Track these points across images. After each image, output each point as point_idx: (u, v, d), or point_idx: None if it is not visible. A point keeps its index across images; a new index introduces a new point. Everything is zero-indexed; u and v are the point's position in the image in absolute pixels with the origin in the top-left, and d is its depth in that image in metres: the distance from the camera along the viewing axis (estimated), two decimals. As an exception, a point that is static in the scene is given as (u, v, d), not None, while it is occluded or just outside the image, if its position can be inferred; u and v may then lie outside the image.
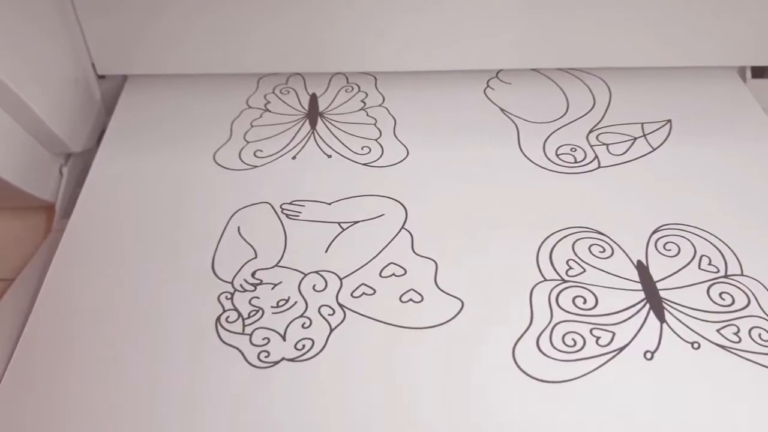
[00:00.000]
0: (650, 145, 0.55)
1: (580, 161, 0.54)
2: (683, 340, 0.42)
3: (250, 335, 0.42)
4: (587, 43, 0.60)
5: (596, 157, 0.55)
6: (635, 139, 0.56)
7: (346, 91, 0.62)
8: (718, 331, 0.42)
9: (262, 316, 0.43)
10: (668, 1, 0.57)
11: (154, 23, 0.58)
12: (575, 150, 0.55)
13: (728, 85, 0.62)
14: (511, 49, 0.60)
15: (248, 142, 0.56)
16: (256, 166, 0.54)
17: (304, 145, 0.56)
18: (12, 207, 0.58)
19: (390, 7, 0.57)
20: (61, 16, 0.56)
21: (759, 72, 0.63)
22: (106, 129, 0.58)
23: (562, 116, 0.58)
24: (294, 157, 0.55)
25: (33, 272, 0.49)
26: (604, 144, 0.56)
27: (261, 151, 0.55)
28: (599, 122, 0.58)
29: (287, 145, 0.56)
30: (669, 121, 0.57)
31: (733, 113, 0.59)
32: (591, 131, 0.57)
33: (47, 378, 0.41)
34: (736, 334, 0.42)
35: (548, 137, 0.56)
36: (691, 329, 0.43)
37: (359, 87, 0.62)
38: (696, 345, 0.42)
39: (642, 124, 0.57)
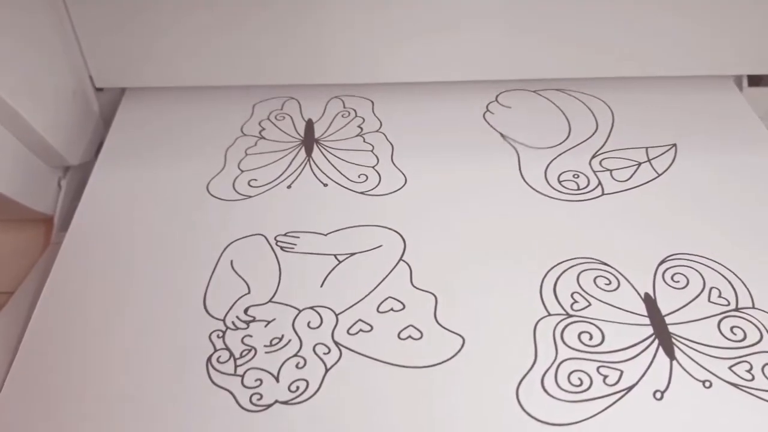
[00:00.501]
0: (655, 171, 0.54)
1: (583, 188, 0.53)
2: (694, 378, 0.40)
3: (242, 376, 0.41)
4: (583, 54, 0.59)
5: (600, 183, 0.53)
6: (640, 164, 0.55)
7: (342, 116, 0.60)
8: (730, 368, 0.41)
9: (254, 355, 0.42)
10: (663, 10, 0.56)
11: (152, 36, 0.57)
12: (578, 176, 0.54)
13: (726, 96, 0.61)
14: (508, 60, 0.60)
15: (242, 171, 0.55)
16: (250, 196, 0.53)
17: (299, 174, 0.54)
18: (10, 220, 0.58)
19: (388, 20, 0.56)
20: (58, 28, 0.56)
21: (755, 80, 0.63)
22: (104, 142, 0.58)
23: (564, 141, 0.57)
24: (289, 186, 0.53)
25: (32, 285, 0.49)
26: (608, 170, 0.54)
27: (255, 180, 0.54)
28: (602, 147, 0.56)
29: (282, 173, 0.54)
30: (674, 145, 0.56)
31: (736, 129, 0.57)
32: (594, 156, 0.56)
33: (44, 391, 0.40)
34: (748, 371, 0.41)
35: (550, 163, 0.55)
36: (702, 366, 0.41)
37: (356, 112, 0.61)
38: (707, 383, 0.40)
39: (646, 148, 0.56)
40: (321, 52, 0.58)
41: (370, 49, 0.58)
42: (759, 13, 0.56)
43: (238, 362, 0.41)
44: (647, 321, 0.43)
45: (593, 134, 0.58)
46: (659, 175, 0.54)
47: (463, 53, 0.59)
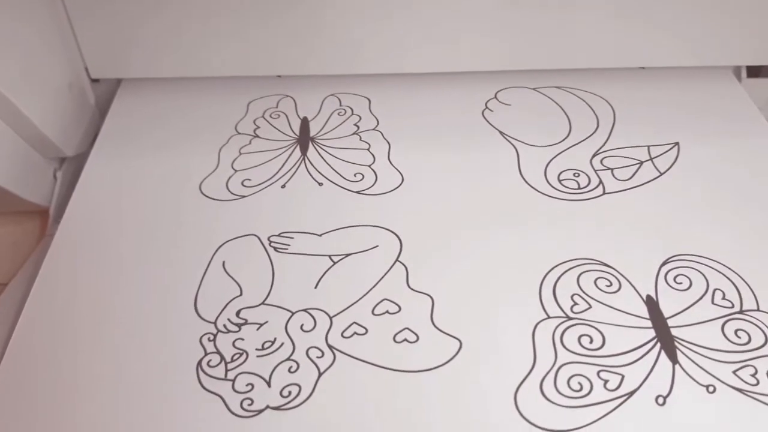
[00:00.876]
0: (658, 170, 0.53)
1: (584, 187, 0.52)
2: (697, 383, 0.39)
3: (233, 381, 0.40)
4: (581, 44, 0.58)
5: (601, 182, 0.52)
6: (642, 162, 0.53)
7: (338, 114, 0.59)
8: (734, 372, 0.40)
9: (246, 359, 0.41)
10: (662, 0, 0.55)
11: (148, 27, 0.57)
12: (579, 175, 0.53)
13: (725, 88, 0.60)
14: (507, 50, 0.59)
15: (236, 171, 0.54)
16: (243, 196, 0.51)
17: (294, 173, 0.53)
18: (6, 212, 0.57)
19: (384, 10, 0.56)
20: (53, 19, 0.55)
21: (754, 71, 0.62)
22: (99, 133, 0.57)
23: (565, 139, 0.56)
24: (283, 186, 0.52)
25: (25, 277, 0.48)
26: (609, 168, 0.53)
27: (249, 180, 0.53)
28: (603, 145, 0.55)
29: (277, 172, 0.53)
30: (677, 143, 0.55)
31: (736, 121, 0.57)
32: (595, 155, 0.54)
33: (34, 386, 0.40)
34: (753, 375, 0.39)
35: (550, 162, 0.54)
36: (705, 371, 0.40)
37: (352, 110, 0.59)
38: (711, 388, 0.39)
39: (648, 147, 0.55)
40: (316, 43, 0.58)
41: (366, 39, 0.58)
42: (757, 3, 0.56)
43: (229, 366, 0.40)
44: (649, 324, 0.42)
45: (594, 132, 0.56)
46: (661, 174, 0.52)
47: (462, 43, 0.58)
